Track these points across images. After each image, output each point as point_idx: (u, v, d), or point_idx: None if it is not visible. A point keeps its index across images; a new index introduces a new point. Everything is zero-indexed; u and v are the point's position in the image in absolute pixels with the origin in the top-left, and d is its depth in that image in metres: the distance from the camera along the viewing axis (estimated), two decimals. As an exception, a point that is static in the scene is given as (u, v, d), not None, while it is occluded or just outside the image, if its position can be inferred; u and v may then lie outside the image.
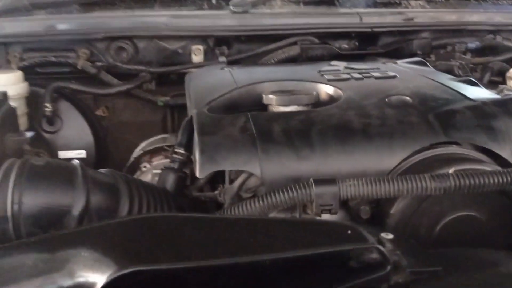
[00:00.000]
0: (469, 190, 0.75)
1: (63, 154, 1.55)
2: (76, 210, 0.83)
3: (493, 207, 0.87)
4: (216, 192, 1.00)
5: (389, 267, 0.56)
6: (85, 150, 1.59)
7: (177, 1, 1.79)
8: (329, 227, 0.63)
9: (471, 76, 1.40)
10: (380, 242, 0.59)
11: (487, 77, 1.57)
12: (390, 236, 0.64)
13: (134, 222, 0.62)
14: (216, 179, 1.09)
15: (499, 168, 0.84)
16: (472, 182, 0.74)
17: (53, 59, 1.58)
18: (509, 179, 0.74)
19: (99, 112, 1.70)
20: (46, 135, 1.56)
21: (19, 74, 1.44)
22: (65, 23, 1.62)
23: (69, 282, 0.56)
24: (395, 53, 1.64)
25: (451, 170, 0.78)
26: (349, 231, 0.58)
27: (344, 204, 0.89)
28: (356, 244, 0.56)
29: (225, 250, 0.57)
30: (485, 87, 1.26)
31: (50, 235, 0.65)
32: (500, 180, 0.74)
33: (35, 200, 0.81)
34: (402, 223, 0.85)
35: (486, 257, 0.68)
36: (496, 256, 0.69)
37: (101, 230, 0.61)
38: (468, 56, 1.69)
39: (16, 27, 1.59)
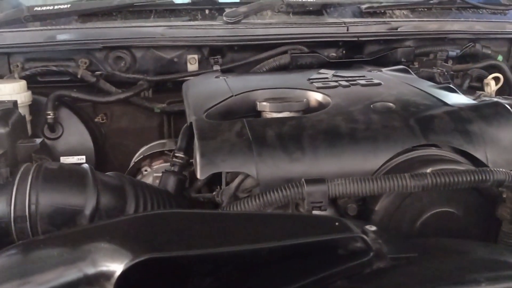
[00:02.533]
0: (445, 187, 0.83)
1: (64, 159, 1.62)
2: (88, 210, 0.90)
3: (469, 204, 0.96)
4: (214, 193, 1.08)
5: (371, 254, 0.64)
6: (85, 155, 1.65)
7: (173, 12, 1.86)
8: (319, 220, 0.70)
9: (451, 82, 1.49)
10: (364, 232, 0.67)
11: (466, 83, 1.67)
12: (374, 228, 0.72)
13: (147, 217, 0.69)
14: (213, 181, 1.16)
15: (472, 168, 0.92)
16: (447, 180, 0.83)
17: (54, 68, 1.65)
18: (480, 177, 0.82)
19: (98, 119, 1.77)
20: (48, 142, 1.62)
21: (23, 83, 1.50)
22: (65, 33, 1.68)
23: (92, 270, 0.63)
24: (380, 61, 1.73)
25: (428, 170, 0.86)
26: (336, 223, 0.66)
27: (333, 202, 0.97)
28: (342, 234, 0.63)
29: (228, 241, 0.64)
30: (464, 93, 1.35)
31: (72, 229, 0.72)
32: (472, 178, 0.82)
33: (50, 200, 0.88)
34: (386, 219, 0.93)
35: (459, 246, 0.76)
36: (468, 245, 0.77)
37: (118, 225, 0.68)
38: (450, 63, 1.78)
39: (18, 37, 1.66)
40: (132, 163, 1.40)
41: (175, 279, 0.68)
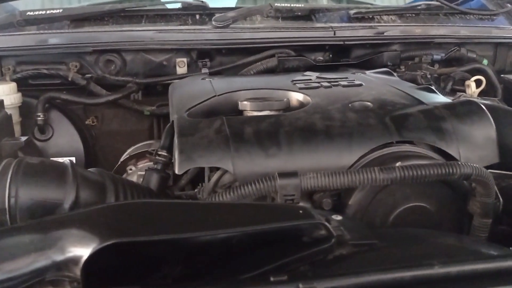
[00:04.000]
0: (413, 180, 0.85)
1: (54, 161, 1.64)
2: (67, 204, 0.92)
3: (441, 199, 0.98)
4: (196, 190, 1.10)
5: (333, 240, 0.66)
6: (74, 157, 1.67)
7: (164, 17, 1.89)
8: (284, 208, 0.73)
9: (433, 84, 1.51)
10: (327, 220, 0.69)
11: (449, 85, 1.69)
12: (339, 217, 0.74)
13: (118, 206, 0.71)
14: (197, 180, 1.19)
15: (439, 161, 0.95)
16: (415, 173, 0.85)
17: (45, 71, 1.68)
18: (447, 170, 0.85)
19: (89, 122, 1.80)
20: (38, 143, 1.65)
21: (13, 85, 1.53)
22: (56, 37, 1.72)
23: (60, 257, 0.65)
24: (367, 65, 1.75)
25: (397, 164, 0.88)
26: (300, 211, 0.68)
27: (310, 197, 0.99)
28: (305, 220, 0.65)
29: (195, 227, 0.66)
30: (445, 94, 1.38)
31: (44, 218, 0.74)
32: (439, 171, 0.85)
33: (29, 194, 0.91)
34: (360, 213, 0.95)
35: (420, 234, 0.78)
36: (429, 233, 0.79)
37: (89, 214, 0.70)
38: (436, 67, 1.81)
39: (10, 41, 1.69)
40: (119, 163, 1.43)
41: (146, 266, 0.70)
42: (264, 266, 0.65)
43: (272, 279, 0.56)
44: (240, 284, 0.56)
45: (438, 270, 0.58)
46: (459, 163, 0.86)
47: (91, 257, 0.62)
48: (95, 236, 0.63)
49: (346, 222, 0.70)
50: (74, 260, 0.64)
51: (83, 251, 0.64)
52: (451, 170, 0.85)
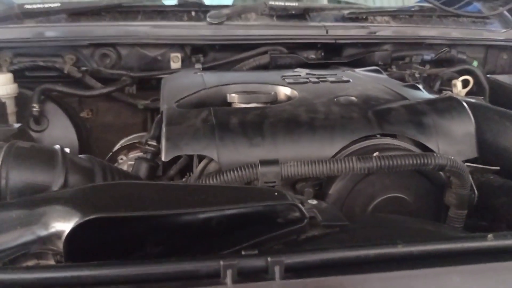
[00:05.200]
0: (389, 169, 0.88)
1: (48, 151, 1.67)
2: (55, 187, 0.95)
3: (419, 190, 1.01)
4: (184, 179, 1.13)
5: (305, 221, 0.69)
6: (69, 148, 1.70)
7: (160, 14, 1.92)
8: (261, 191, 0.76)
9: (420, 82, 1.54)
10: (301, 203, 0.72)
11: (437, 85, 1.72)
12: (315, 202, 0.77)
13: (101, 186, 0.74)
14: (186, 170, 1.22)
15: (416, 152, 0.98)
16: (391, 162, 0.87)
17: (41, 63, 1.71)
18: (422, 161, 0.88)
19: (84, 114, 1.83)
20: (33, 134, 1.68)
21: (9, 75, 1.56)
22: (53, 30, 1.75)
23: (44, 232, 0.69)
24: (358, 64, 1.78)
25: (375, 154, 0.91)
26: (275, 193, 0.71)
27: (293, 187, 1.03)
28: (278, 201, 0.69)
29: (174, 206, 0.69)
30: (434, 93, 1.41)
31: (31, 196, 0.77)
32: (414, 161, 0.87)
33: (20, 176, 0.93)
34: (339, 202, 0.97)
35: (391, 219, 0.81)
36: (400, 219, 0.82)
37: (73, 192, 0.73)
38: (427, 67, 1.84)
39: (7, 33, 1.72)
40: (110, 153, 1.45)
41: (128, 244, 0.73)
42: (240, 245, 0.69)
43: (243, 253, 0.59)
44: (213, 257, 0.58)
45: (401, 249, 0.61)
46: (434, 154, 0.89)
47: (73, 231, 0.65)
48: (77, 211, 0.67)
49: (320, 205, 0.73)
50: (57, 235, 0.67)
51: (65, 226, 0.67)
52: (426, 161, 0.88)
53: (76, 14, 1.83)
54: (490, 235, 0.63)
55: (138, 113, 1.84)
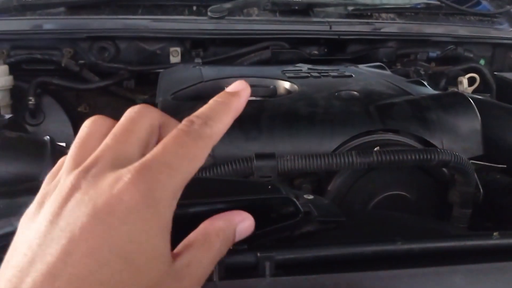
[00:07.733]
0: (390, 165, 0.84)
1: (44, 146, 1.64)
2: (43, 178, 0.91)
3: (422, 188, 0.97)
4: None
5: (300, 216, 0.65)
6: (65, 143, 1.67)
7: (160, 8, 1.89)
8: (253, 184, 0.72)
9: (425, 79, 1.50)
10: (296, 197, 0.68)
11: (443, 82, 1.68)
12: (311, 196, 0.73)
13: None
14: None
15: (418, 147, 0.94)
16: (392, 158, 0.83)
17: (39, 56, 1.68)
18: (424, 156, 0.83)
19: (81, 109, 1.80)
20: (29, 127, 1.65)
21: (5, 67, 1.53)
22: (50, 23, 1.72)
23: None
24: (361, 60, 1.74)
25: (375, 149, 0.87)
26: (269, 187, 0.67)
27: (291, 183, 0.99)
28: (271, 194, 0.65)
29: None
30: (437, 90, 1.36)
31: (13, 187, 0.74)
32: (416, 157, 0.83)
33: (6, 167, 0.90)
34: (338, 199, 0.94)
35: (390, 216, 0.77)
36: (399, 216, 0.78)
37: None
38: (433, 64, 1.81)
39: (5, 25, 1.69)
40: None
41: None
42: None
43: (231, 247, 0.56)
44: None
45: (400, 247, 0.57)
46: (438, 149, 0.85)
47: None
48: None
49: (316, 200, 0.70)
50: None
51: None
52: (429, 156, 0.83)
53: (75, 7, 1.81)
54: (495, 233, 0.60)
55: (136, 108, 1.80)
